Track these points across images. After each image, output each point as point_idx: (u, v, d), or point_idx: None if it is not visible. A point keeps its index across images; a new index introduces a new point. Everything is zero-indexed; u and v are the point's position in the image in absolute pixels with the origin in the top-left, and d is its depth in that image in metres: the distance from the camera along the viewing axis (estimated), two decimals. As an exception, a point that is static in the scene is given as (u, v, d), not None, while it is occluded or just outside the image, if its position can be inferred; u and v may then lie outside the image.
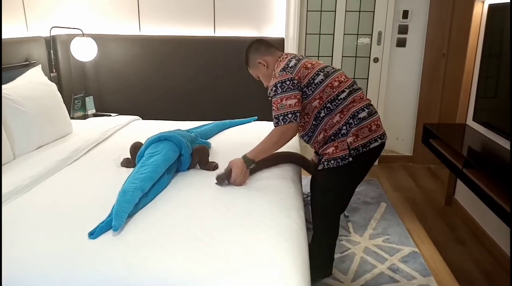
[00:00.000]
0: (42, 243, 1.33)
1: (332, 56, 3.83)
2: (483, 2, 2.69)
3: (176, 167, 1.93)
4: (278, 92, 1.82)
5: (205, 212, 1.55)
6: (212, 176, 1.92)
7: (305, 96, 1.86)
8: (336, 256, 2.44)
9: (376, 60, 3.79)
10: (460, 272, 2.35)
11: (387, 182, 3.65)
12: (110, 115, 3.25)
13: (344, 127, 1.87)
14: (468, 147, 2.55)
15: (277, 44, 3.38)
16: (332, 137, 1.90)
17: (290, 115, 1.80)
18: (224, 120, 2.79)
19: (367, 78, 3.86)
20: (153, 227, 1.43)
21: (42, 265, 1.24)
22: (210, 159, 2.07)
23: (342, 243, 2.59)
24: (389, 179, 3.72)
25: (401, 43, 3.78)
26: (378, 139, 1.90)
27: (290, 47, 3.39)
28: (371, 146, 1.87)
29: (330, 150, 1.90)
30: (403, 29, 3.75)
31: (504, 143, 2.41)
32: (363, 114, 1.87)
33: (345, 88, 1.89)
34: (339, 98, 1.86)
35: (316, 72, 1.87)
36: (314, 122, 1.91)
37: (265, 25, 3.46)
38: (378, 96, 3.88)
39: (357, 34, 3.77)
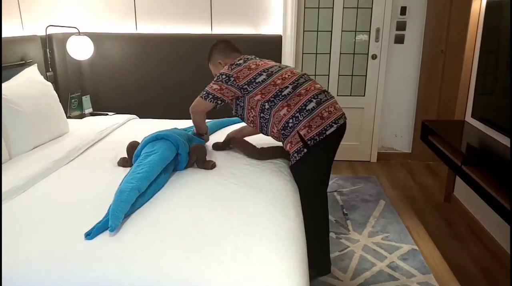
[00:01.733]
0: (38, 243, 1.32)
1: (330, 53, 3.81)
2: (481, -2, 2.68)
3: (173, 166, 1.92)
4: (214, 79, 2.06)
5: (201, 212, 1.54)
6: (209, 174, 1.91)
7: (246, 92, 2.00)
8: (335, 254, 2.44)
9: (374, 57, 3.78)
10: (459, 269, 2.34)
11: (385, 179, 3.64)
12: (107, 114, 3.23)
13: (291, 120, 1.93)
14: (466, 144, 2.54)
15: (275, 42, 3.39)
16: (283, 131, 1.97)
17: (205, 94, 2.04)
18: (221, 118, 2.77)
19: (365, 75, 3.84)
20: (149, 228, 1.42)
21: (37, 265, 1.23)
22: (208, 158, 2.06)
23: (341, 241, 2.59)
24: (388, 176, 3.71)
25: (399, 39, 3.76)
26: (333, 124, 1.93)
27: (288, 44, 3.38)
28: (327, 132, 1.92)
29: (287, 146, 1.99)
30: (401, 26, 3.73)
31: (503, 140, 2.40)
32: (311, 106, 1.93)
33: (289, 84, 1.98)
34: (282, 94, 1.96)
35: (259, 72, 2.01)
36: (261, 115, 2.01)
37: (262, 22, 3.44)
38: (377, 93, 3.87)
39: (355, 31, 3.75)
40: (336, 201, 3.16)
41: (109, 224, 1.35)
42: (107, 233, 1.36)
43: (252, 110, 2.03)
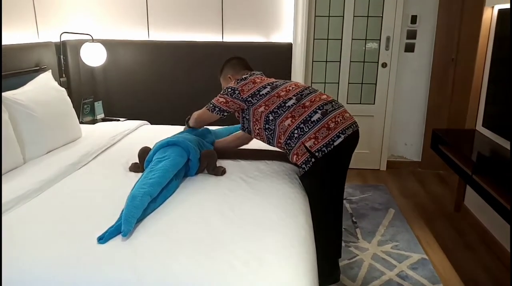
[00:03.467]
0: (51, 246, 1.34)
1: (340, 61, 3.82)
2: (493, 7, 2.68)
3: (184, 172, 1.94)
4: (221, 93, 2.11)
5: (213, 218, 1.55)
6: (220, 180, 1.93)
7: (251, 104, 2.04)
8: (344, 262, 2.43)
9: (384, 65, 3.78)
10: (470, 279, 2.32)
11: (395, 187, 3.62)
12: (118, 120, 3.27)
13: (296, 131, 1.94)
14: (477, 153, 2.52)
15: (285, 50, 3.41)
16: (289, 141, 1.97)
17: (212, 106, 2.10)
18: (234, 125, 2.79)
19: (375, 83, 3.85)
20: (161, 232, 1.44)
21: (51, 267, 1.25)
22: (218, 164, 2.07)
23: (350, 249, 2.58)
24: (398, 184, 3.69)
25: (409, 48, 3.77)
26: (340, 135, 1.91)
27: (298, 52, 3.40)
28: (335, 143, 1.90)
29: (294, 158, 1.98)
30: (412, 34, 3.73)
31: (514, 149, 2.38)
32: (316, 117, 1.93)
33: (293, 95, 2.01)
34: (286, 105, 1.98)
35: (264, 85, 2.06)
36: (266, 126, 2.03)
37: (273, 30, 3.47)
38: (387, 101, 3.86)
39: (365, 39, 3.76)
40: (345, 209, 3.15)
41: (122, 228, 1.37)
42: (119, 237, 1.38)
43: (257, 122, 2.06)
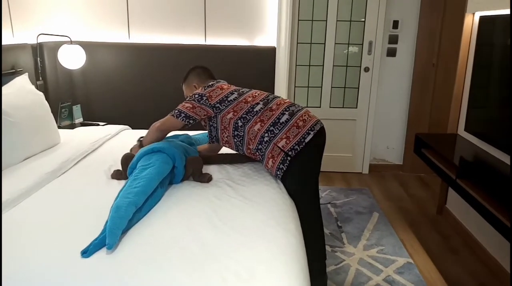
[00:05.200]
0: (32, 260, 1.27)
1: (323, 65, 3.83)
2: (474, 14, 2.72)
3: (169, 179, 1.88)
4: (187, 99, 2.10)
5: (200, 226, 1.51)
6: (206, 188, 1.88)
7: (218, 111, 2.03)
8: (331, 268, 2.42)
9: (366, 69, 3.80)
10: (455, 283, 2.34)
11: (378, 191, 3.64)
12: (98, 125, 3.18)
13: (266, 134, 1.95)
14: (460, 157, 2.55)
15: (269, 53, 3.39)
16: (259, 146, 1.98)
17: (177, 112, 2.04)
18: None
19: (358, 88, 3.87)
20: (148, 243, 1.38)
21: (29, 283, 1.18)
22: (203, 170, 2.03)
23: (337, 254, 2.56)
24: (380, 188, 3.72)
25: (391, 53, 3.80)
26: (310, 132, 1.96)
27: (282, 56, 3.38)
28: (306, 140, 1.94)
29: (270, 162, 1.98)
30: (393, 39, 3.77)
31: (497, 154, 2.42)
32: (284, 118, 1.97)
33: (260, 101, 2.04)
34: (254, 110, 2.00)
35: (231, 92, 2.08)
36: (235, 133, 2.03)
37: (256, 34, 3.44)
38: (369, 105, 3.89)
39: (348, 44, 3.78)
40: (330, 213, 3.14)
41: (107, 241, 1.31)
42: (104, 250, 1.31)
43: (225, 130, 2.05)
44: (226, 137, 2.07)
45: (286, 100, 2.08)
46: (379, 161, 4.12)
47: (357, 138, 3.97)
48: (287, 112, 1.99)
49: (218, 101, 2.03)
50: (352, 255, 2.56)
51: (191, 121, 2.04)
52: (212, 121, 2.07)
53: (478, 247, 2.63)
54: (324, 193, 3.49)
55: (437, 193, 3.28)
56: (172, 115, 2.04)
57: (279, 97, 2.11)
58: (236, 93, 2.07)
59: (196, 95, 2.05)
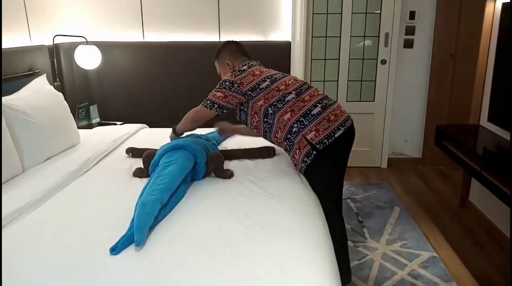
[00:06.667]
0: (60, 259, 1.27)
1: (339, 59, 3.78)
2: (495, 1, 2.65)
3: (191, 176, 1.87)
4: (217, 87, 2.03)
5: (226, 223, 1.49)
6: (228, 184, 1.86)
7: (250, 97, 1.99)
8: (354, 263, 2.38)
9: (383, 62, 3.75)
10: (482, 276, 2.29)
11: (398, 185, 3.59)
12: (115, 124, 3.19)
13: (296, 125, 1.92)
14: (484, 148, 2.49)
15: (284, 48, 3.36)
16: (288, 136, 1.94)
17: (209, 103, 2.01)
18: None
19: (375, 80, 3.81)
20: (175, 240, 1.37)
21: (61, 281, 1.17)
22: (224, 166, 2.01)
23: (359, 250, 2.53)
24: (400, 182, 3.66)
25: (408, 44, 3.74)
26: (340, 127, 1.92)
27: (297, 51, 3.35)
28: (336, 135, 1.90)
29: (296, 153, 1.95)
30: (410, 30, 3.71)
31: (523, 143, 2.36)
32: (316, 110, 1.93)
33: (292, 90, 1.99)
34: (286, 99, 1.96)
35: (263, 79, 2.01)
36: (265, 119, 2.00)
37: (271, 29, 3.41)
38: (386, 98, 3.83)
39: (364, 36, 3.72)
40: (350, 208, 3.11)
41: (135, 238, 1.30)
42: (132, 247, 1.31)
43: (255, 115, 2.02)
44: (256, 122, 2.04)
45: (320, 92, 2.02)
46: (398, 155, 4.07)
47: (375, 132, 3.92)
48: (319, 105, 1.94)
49: (250, 88, 1.97)
50: (375, 250, 2.53)
51: (224, 111, 2.01)
52: (243, 106, 2.03)
53: (503, 239, 2.58)
54: (343, 188, 3.44)
55: (458, 186, 3.22)
56: (205, 106, 2.01)
57: (313, 87, 2.05)
58: (268, 80, 2.00)
59: (227, 83, 2.00)
